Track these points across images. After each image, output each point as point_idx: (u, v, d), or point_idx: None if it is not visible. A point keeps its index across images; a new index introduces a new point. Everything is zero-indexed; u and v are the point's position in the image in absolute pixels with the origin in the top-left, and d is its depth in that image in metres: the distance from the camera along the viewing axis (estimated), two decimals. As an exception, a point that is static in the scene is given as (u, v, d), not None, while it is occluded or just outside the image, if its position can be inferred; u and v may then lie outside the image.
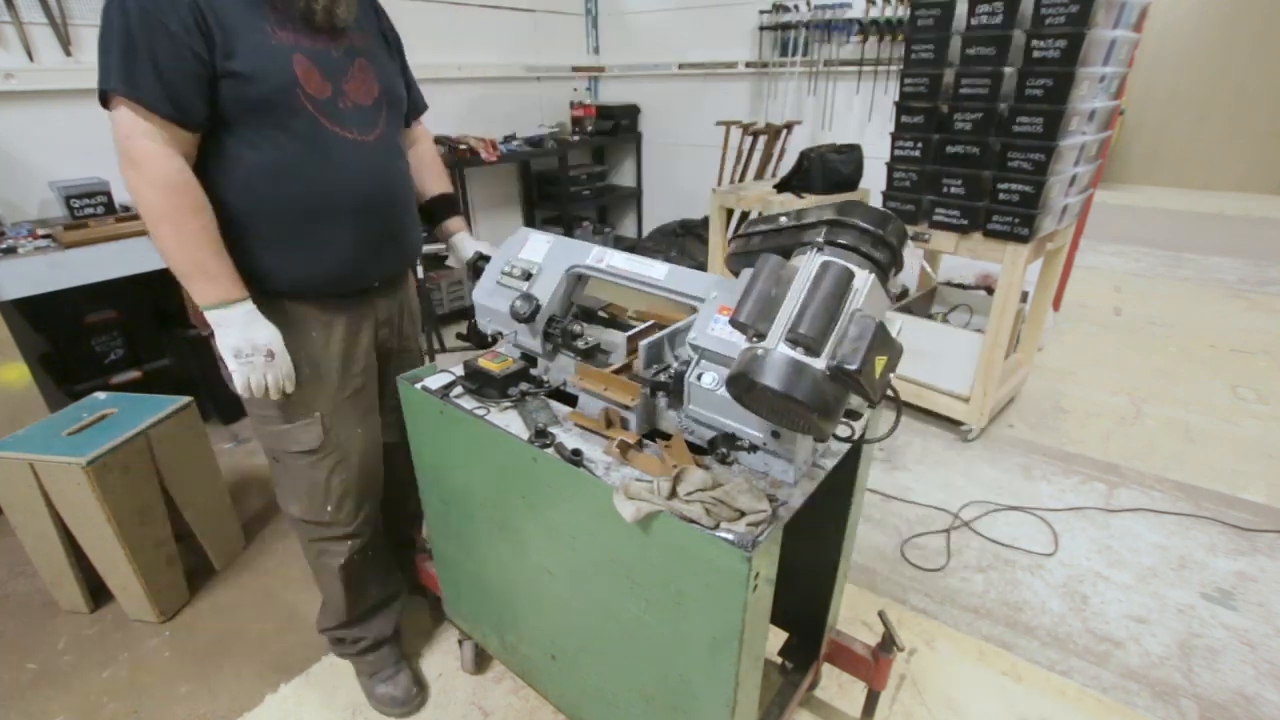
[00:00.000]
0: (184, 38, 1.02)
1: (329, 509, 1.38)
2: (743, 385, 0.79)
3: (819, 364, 0.76)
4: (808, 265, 0.83)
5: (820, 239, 0.85)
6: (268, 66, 1.09)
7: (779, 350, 0.77)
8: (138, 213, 1.11)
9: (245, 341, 1.14)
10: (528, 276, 1.20)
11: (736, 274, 0.98)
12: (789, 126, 3.54)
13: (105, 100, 1.05)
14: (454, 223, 1.53)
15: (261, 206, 1.16)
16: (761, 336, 0.80)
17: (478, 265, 1.40)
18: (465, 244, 1.51)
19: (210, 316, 1.13)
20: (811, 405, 0.74)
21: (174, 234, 1.07)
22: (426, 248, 2.99)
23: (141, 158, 1.04)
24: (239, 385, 1.18)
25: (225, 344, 1.14)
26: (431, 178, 1.51)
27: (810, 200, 2.93)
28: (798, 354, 0.77)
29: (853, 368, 0.73)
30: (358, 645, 1.55)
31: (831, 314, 0.78)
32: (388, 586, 1.59)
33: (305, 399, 1.28)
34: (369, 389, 1.39)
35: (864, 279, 0.81)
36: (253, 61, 1.07)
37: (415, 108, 1.46)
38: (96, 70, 1.04)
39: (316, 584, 1.52)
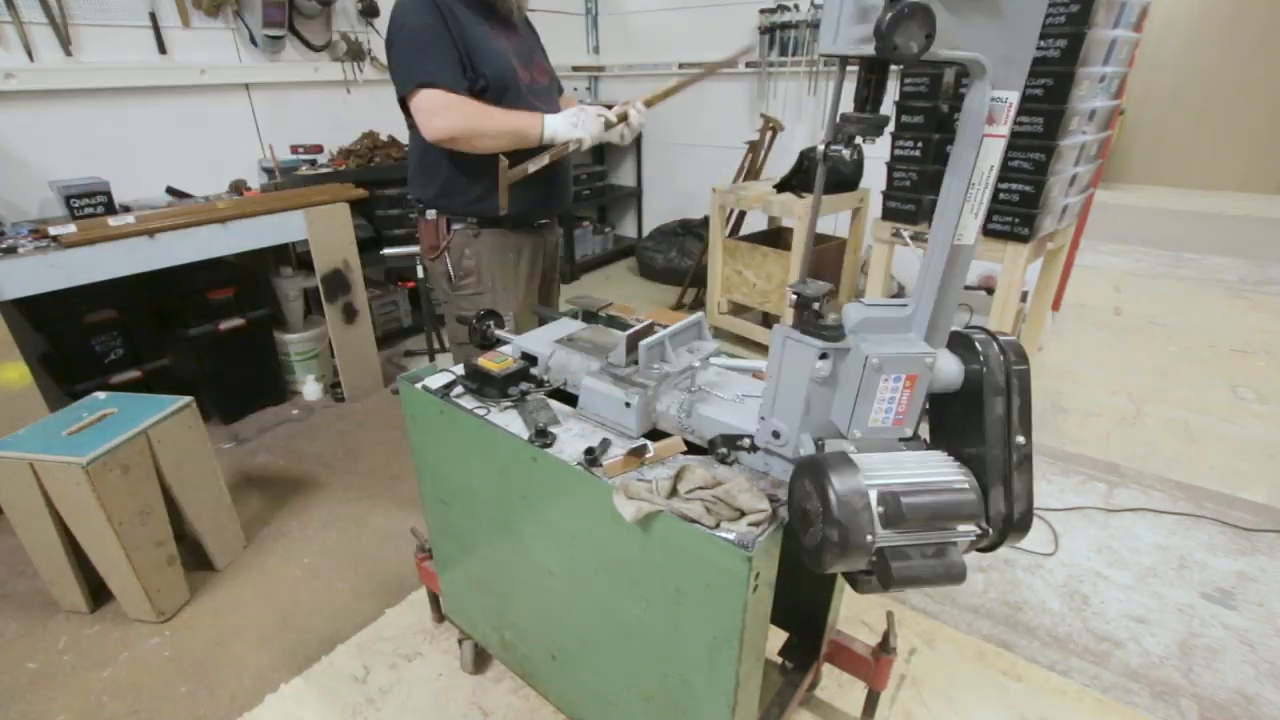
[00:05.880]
0: (457, 49, 1.52)
1: None
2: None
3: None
4: None
5: None
6: (499, 67, 1.58)
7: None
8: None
9: (567, 124, 1.59)
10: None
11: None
12: (774, 129, 3.52)
13: (408, 94, 1.52)
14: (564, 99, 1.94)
15: (486, 159, 1.57)
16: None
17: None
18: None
19: (547, 133, 1.59)
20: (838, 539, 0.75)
21: (489, 131, 1.55)
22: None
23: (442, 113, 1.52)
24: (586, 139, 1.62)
25: (559, 129, 1.59)
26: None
27: (811, 200, 2.92)
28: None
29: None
30: None
31: None
32: None
33: (500, 303, 1.73)
34: (534, 300, 1.88)
35: None
36: (490, 65, 1.57)
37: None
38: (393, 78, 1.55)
39: None
